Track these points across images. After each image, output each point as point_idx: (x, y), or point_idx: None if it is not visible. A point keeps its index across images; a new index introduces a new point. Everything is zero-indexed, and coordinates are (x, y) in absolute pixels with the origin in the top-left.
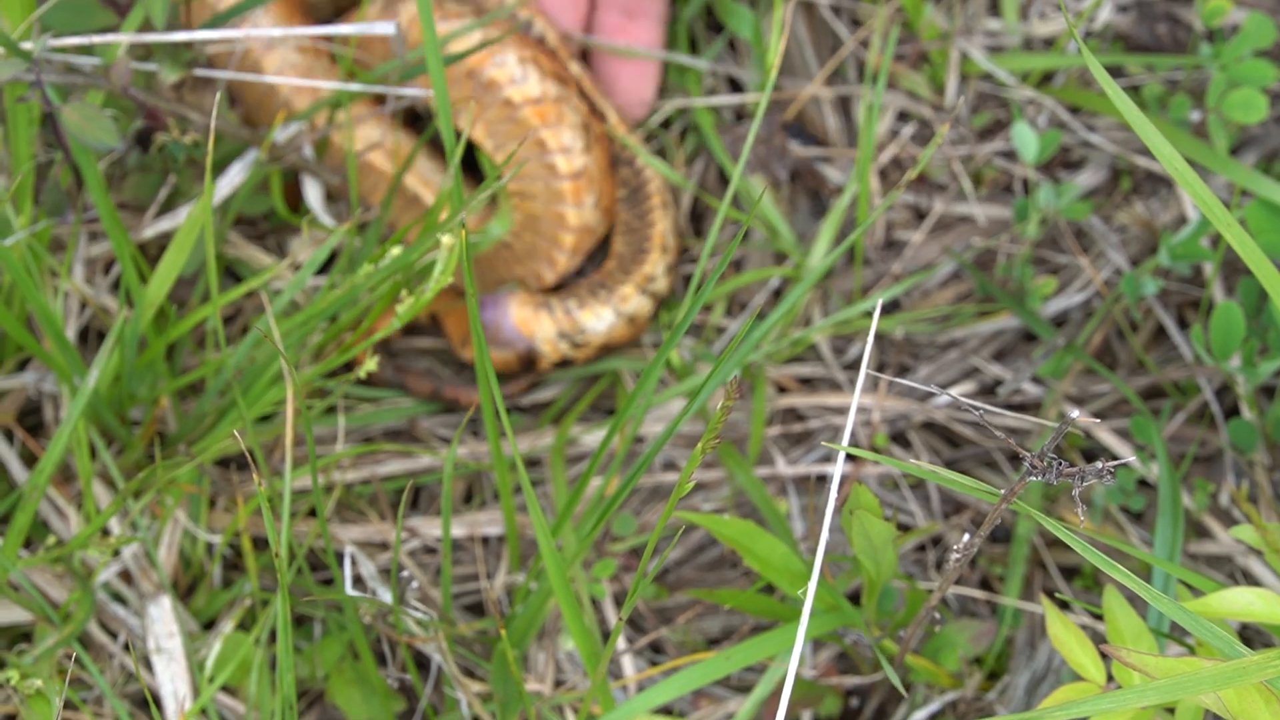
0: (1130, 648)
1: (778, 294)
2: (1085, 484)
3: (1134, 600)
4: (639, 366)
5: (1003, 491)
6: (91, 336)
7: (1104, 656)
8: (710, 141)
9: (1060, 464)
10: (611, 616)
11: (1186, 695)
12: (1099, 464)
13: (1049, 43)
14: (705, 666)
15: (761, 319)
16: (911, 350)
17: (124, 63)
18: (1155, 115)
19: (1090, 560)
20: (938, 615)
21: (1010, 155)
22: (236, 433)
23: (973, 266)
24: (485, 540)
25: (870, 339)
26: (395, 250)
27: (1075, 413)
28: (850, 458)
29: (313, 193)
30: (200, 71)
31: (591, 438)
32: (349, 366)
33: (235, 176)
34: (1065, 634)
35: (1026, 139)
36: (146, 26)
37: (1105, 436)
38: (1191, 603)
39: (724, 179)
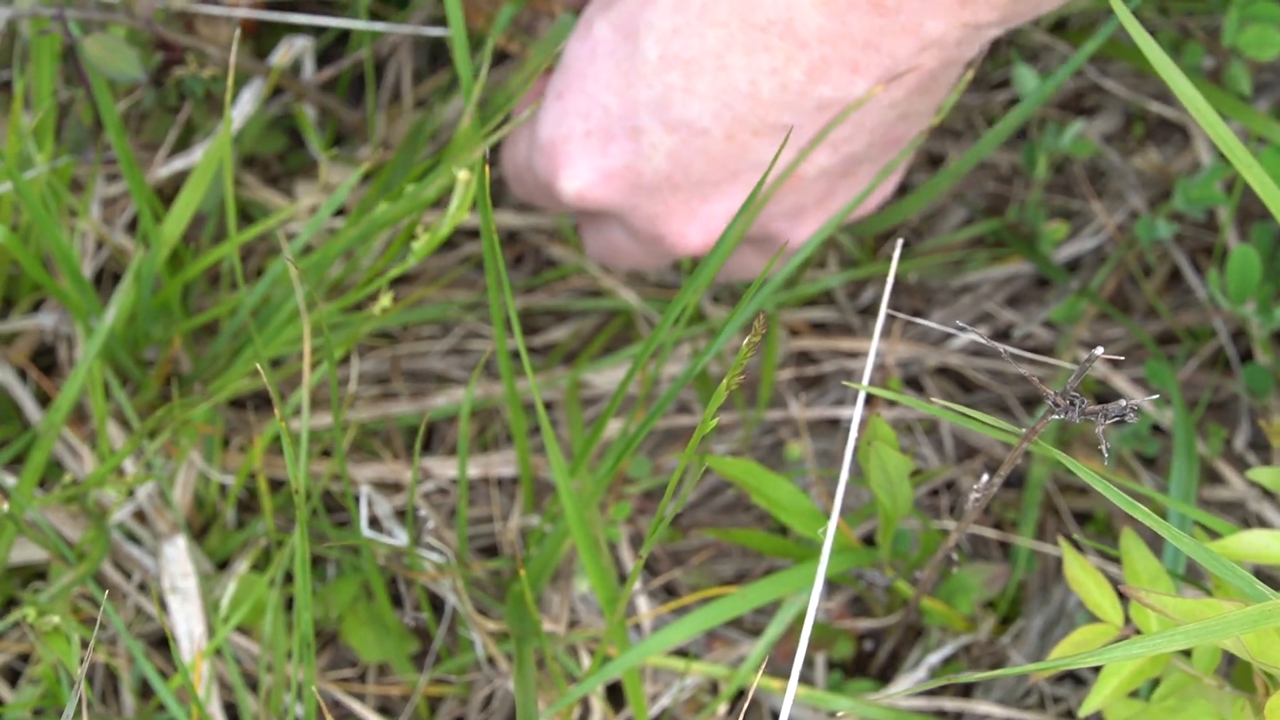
0: (1149, 589)
1: None
2: (1108, 422)
3: (1150, 544)
4: (652, 308)
5: (1023, 431)
6: (105, 278)
7: (1121, 598)
8: None
9: (1082, 402)
10: (626, 559)
11: (1214, 639)
12: (1122, 402)
13: None
14: (721, 605)
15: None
16: (925, 295)
17: None
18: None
19: (1111, 499)
20: (954, 557)
21: None
22: (259, 367)
23: (984, 211)
24: (499, 482)
25: (890, 279)
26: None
27: (1099, 350)
28: (864, 401)
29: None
30: (209, 9)
31: (602, 378)
32: (363, 307)
33: (246, 105)
34: (1083, 575)
35: (1027, 80)
36: None
37: (1119, 382)
38: (1210, 544)
39: None
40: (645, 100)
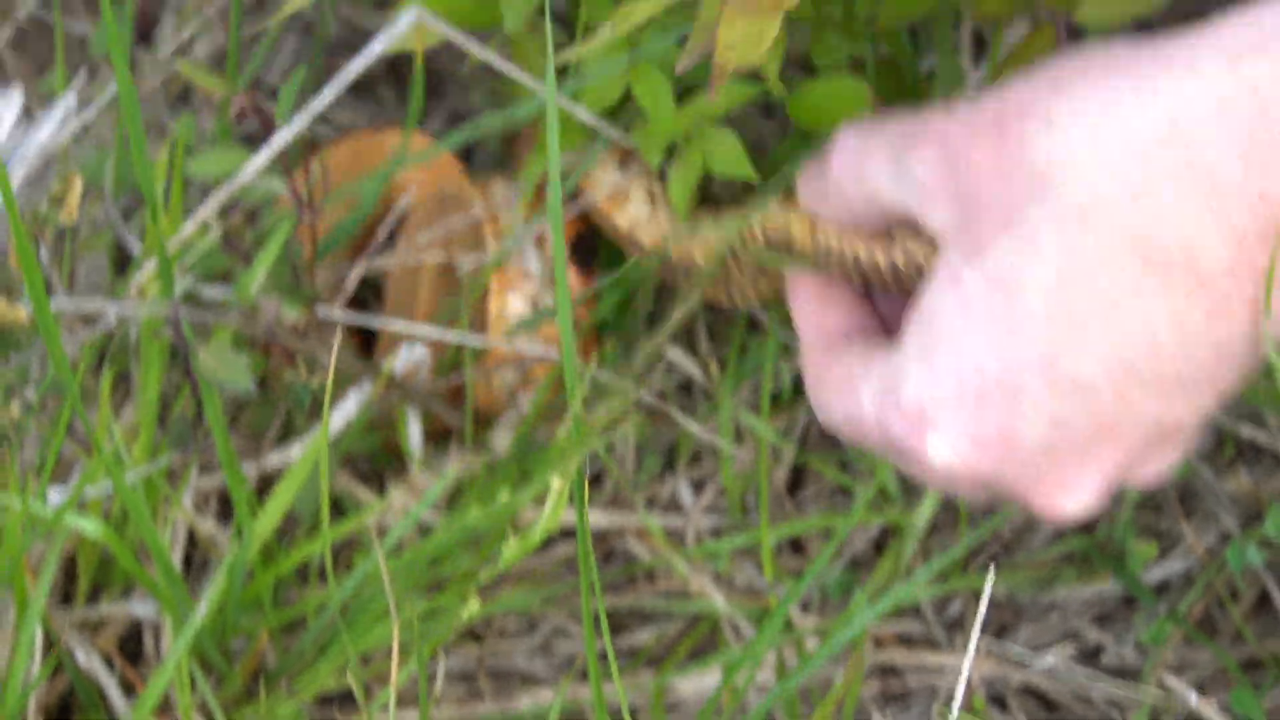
0: None
1: (879, 547)
2: None
3: None
4: (739, 613)
5: None
6: (191, 564)
7: None
8: None
9: None
10: None
11: None
12: None
13: None
14: None
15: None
16: (1014, 609)
17: (271, 303)
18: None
19: None
20: None
21: None
22: (350, 665)
23: (1074, 527)
24: None
25: (983, 606)
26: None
27: (1193, 697)
28: None
29: (415, 431)
30: (322, 313)
31: (688, 683)
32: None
33: (350, 409)
34: None
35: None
36: (271, 271)
37: (1205, 709)
38: None
39: (826, 435)
40: (1027, 359)
